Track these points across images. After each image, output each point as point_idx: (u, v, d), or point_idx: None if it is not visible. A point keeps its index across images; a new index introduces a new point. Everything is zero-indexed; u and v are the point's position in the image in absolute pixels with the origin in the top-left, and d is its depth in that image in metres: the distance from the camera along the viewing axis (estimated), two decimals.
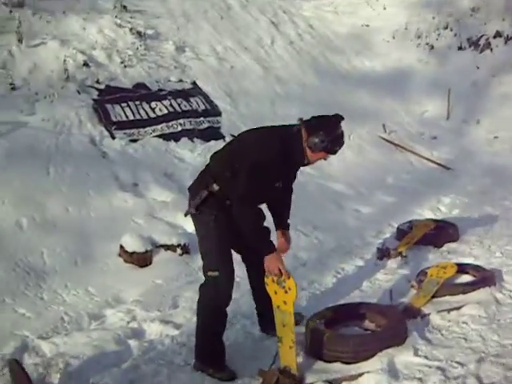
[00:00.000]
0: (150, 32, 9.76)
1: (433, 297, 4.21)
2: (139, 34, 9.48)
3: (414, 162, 9.99)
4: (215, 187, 3.41)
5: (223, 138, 8.23)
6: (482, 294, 4.24)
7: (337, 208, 7.36)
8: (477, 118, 11.77)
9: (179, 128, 8.04)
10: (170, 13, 10.96)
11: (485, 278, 4.43)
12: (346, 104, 11.08)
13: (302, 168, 3.68)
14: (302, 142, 3.35)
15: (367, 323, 3.86)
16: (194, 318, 3.78)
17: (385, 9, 15.29)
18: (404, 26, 14.54)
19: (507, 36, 13.15)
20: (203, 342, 3.56)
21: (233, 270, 3.55)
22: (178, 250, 5.62)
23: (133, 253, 5.45)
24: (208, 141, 8.02)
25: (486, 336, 3.65)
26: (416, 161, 10.04)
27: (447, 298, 4.24)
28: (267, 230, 3.37)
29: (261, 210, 3.53)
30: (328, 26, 14.59)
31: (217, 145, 7.98)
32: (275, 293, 3.27)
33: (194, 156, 7.60)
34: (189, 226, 6.26)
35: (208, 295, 3.51)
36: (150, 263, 5.52)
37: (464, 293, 4.24)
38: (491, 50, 13.19)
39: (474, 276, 4.56)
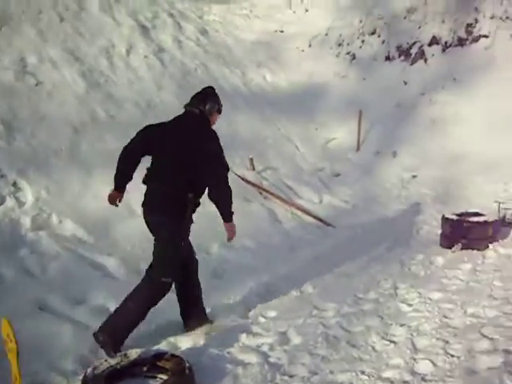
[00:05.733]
0: None
1: None
2: None
3: (279, 215, 7.06)
4: (190, 196, 3.59)
5: None
6: None
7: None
8: (393, 150, 8.89)
9: None
10: None
11: None
12: None
13: None
14: (205, 115, 3.77)
15: None
16: None
17: (307, 11, 12.55)
18: (325, 31, 11.75)
19: (445, 43, 10.24)
20: (123, 326, 3.49)
21: None
22: None
23: None
24: None
25: None
26: (284, 213, 7.14)
27: None
28: None
29: None
30: (232, 31, 11.81)
31: None
32: None
33: None
34: None
35: (153, 295, 3.60)
36: None
37: None
38: (425, 60, 10.27)
39: None
